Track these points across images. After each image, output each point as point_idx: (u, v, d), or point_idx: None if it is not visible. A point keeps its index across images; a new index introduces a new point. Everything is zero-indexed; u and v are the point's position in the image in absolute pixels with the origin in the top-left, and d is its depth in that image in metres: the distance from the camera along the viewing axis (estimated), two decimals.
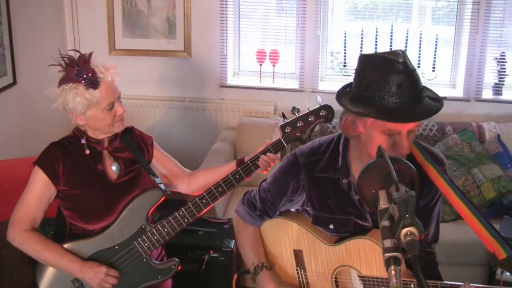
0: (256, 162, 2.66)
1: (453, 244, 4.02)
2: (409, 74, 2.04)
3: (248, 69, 5.44)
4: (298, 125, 2.63)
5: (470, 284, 2.12)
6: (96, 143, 2.66)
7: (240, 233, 2.58)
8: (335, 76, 5.30)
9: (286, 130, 2.64)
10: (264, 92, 5.28)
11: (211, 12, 5.15)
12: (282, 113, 2.73)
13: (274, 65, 5.23)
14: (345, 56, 5.18)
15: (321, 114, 2.63)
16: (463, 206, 2.16)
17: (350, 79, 5.46)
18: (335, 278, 2.40)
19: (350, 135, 2.24)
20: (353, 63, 5.19)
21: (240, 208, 2.59)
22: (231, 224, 4.03)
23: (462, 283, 2.15)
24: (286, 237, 2.46)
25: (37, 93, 4.81)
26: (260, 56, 5.22)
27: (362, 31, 5.09)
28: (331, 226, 2.36)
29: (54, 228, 2.78)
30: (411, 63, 2.07)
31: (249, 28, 5.34)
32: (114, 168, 2.68)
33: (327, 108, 2.63)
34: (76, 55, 2.59)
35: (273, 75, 5.27)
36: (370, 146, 2.15)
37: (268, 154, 2.65)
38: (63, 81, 2.55)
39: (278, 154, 2.71)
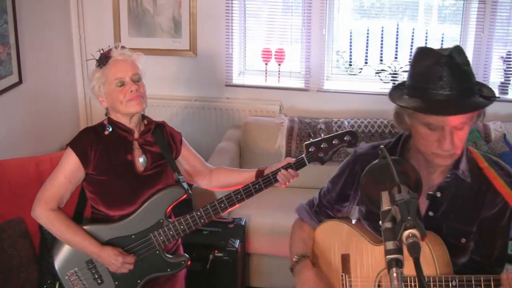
0: (276, 175, 2.73)
1: None
2: (454, 68, 1.97)
3: (253, 68, 5.43)
4: (322, 146, 2.71)
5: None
6: (127, 133, 2.76)
7: (294, 229, 2.56)
8: (340, 75, 5.30)
9: (310, 149, 2.72)
10: (269, 91, 5.28)
11: (217, 11, 5.15)
12: (309, 132, 2.79)
13: (279, 64, 5.22)
14: (350, 55, 5.17)
15: (345, 139, 2.72)
16: None
17: (356, 78, 5.47)
18: (379, 283, 2.30)
19: (401, 127, 2.20)
20: (358, 62, 5.19)
21: (301, 208, 2.59)
22: (236, 223, 4.04)
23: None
24: (337, 241, 2.42)
25: (43, 92, 4.83)
26: (266, 55, 5.22)
27: (368, 30, 5.08)
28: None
29: (75, 208, 2.85)
30: (461, 58, 2.01)
31: (255, 27, 5.34)
32: (141, 160, 2.77)
33: (352, 134, 2.72)
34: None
35: (279, 74, 5.26)
36: (416, 140, 2.12)
37: (289, 170, 2.72)
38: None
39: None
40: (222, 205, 2.74)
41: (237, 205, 2.77)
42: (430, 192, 2.22)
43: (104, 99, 2.73)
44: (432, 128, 2.02)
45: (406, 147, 2.27)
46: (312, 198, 2.59)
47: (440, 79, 1.97)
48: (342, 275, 2.37)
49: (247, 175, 2.87)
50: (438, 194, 2.21)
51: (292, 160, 2.74)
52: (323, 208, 2.50)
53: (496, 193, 2.17)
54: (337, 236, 2.42)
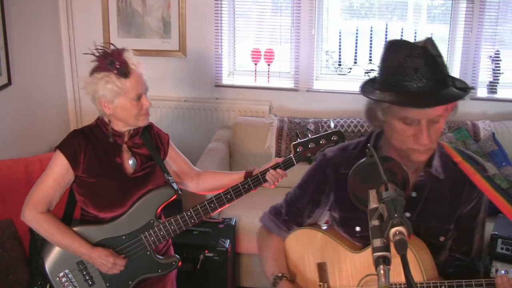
0: (265, 175, 2.76)
1: None
2: (429, 59, 1.92)
3: (243, 69, 5.44)
4: (309, 146, 2.76)
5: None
6: (117, 136, 2.74)
7: (263, 244, 2.45)
8: (330, 75, 5.31)
9: (297, 149, 2.76)
10: (259, 91, 5.28)
11: (206, 11, 5.15)
12: (297, 132, 2.84)
13: (269, 65, 5.23)
14: (340, 55, 5.18)
15: (332, 138, 2.77)
16: (504, 202, 2.03)
17: (345, 78, 5.47)
18: None
19: (373, 124, 2.12)
20: (348, 62, 5.20)
21: (265, 217, 2.49)
22: (226, 224, 4.04)
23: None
24: (311, 249, 2.31)
25: (32, 94, 4.82)
26: (255, 56, 5.23)
27: (357, 30, 5.10)
28: (358, 229, 2.22)
29: (64, 210, 2.84)
30: (435, 50, 1.96)
31: (244, 27, 5.34)
32: (131, 162, 2.76)
33: (339, 133, 2.77)
34: (110, 48, 2.69)
35: (268, 74, 5.27)
36: (391, 136, 2.04)
37: (278, 169, 2.76)
38: (95, 70, 2.64)
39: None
40: (212, 205, 2.76)
41: (227, 205, 2.79)
42: None
43: (110, 107, 2.63)
44: (408, 122, 1.96)
45: (377, 145, 2.20)
46: (275, 206, 2.48)
47: (416, 71, 1.91)
48: (320, 285, 2.28)
49: (235, 177, 2.88)
50: (414, 194, 2.16)
51: (280, 160, 2.77)
52: (292, 216, 2.39)
53: (472, 188, 2.13)
54: (310, 245, 2.32)
